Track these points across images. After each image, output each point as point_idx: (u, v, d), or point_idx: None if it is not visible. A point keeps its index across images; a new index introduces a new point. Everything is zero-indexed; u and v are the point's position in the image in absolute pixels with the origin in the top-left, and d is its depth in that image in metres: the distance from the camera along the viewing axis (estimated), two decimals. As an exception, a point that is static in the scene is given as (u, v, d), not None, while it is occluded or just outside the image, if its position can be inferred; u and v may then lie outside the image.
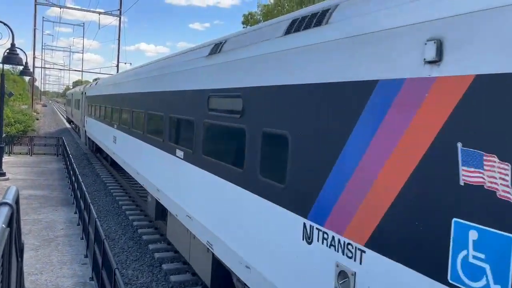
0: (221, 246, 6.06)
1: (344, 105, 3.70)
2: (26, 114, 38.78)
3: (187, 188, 7.66)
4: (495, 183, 2.49)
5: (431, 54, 2.89)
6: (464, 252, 2.65)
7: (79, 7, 63.36)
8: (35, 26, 53.06)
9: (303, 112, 4.25)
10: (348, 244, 3.58)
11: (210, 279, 7.03)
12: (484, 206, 2.54)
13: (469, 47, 2.69)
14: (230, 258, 5.79)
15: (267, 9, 44.40)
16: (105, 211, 14.12)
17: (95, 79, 29.47)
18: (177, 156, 8.17)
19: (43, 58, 77.39)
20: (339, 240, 3.69)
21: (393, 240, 3.16)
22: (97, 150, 24.65)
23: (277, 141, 4.77)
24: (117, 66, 56.52)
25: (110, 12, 55.40)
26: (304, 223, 4.15)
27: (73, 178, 14.60)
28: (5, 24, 17.57)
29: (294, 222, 4.30)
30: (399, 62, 3.18)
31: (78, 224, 11.51)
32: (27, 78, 79.86)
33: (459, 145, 2.68)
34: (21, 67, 21.20)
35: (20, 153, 25.25)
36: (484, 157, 2.55)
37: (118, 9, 54.79)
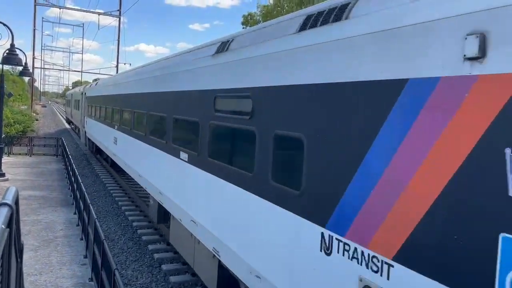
0: (229, 254, 5.79)
1: (368, 106, 3.44)
2: (25, 115, 38.73)
3: (192, 191, 7.37)
4: None
5: (472, 50, 2.64)
6: None
7: (79, 8, 63.36)
8: (34, 26, 53.02)
9: (321, 114, 3.99)
10: (373, 257, 3.31)
11: (216, 286, 6.74)
12: None
13: None
14: (238, 267, 5.53)
15: (266, 9, 44.43)
16: (104, 211, 14.11)
17: (95, 80, 29.35)
18: (181, 159, 7.91)
19: (42, 59, 77.34)
20: (362, 252, 3.41)
21: (426, 254, 2.87)
22: (97, 151, 24.56)
23: (291, 144, 4.52)
24: (117, 66, 56.53)
25: (109, 13, 55.37)
26: (322, 233, 3.87)
27: (73, 178, 14.59)
28: (4, 24, 17.57)
29: (311, 231, 4.01)
30: (433, 59, 2.93)
31: (78, 225, 11.50)
32: (26, 79, 79.82)
33: (508, 151, 2.43)
34: (20, 68, 21.18)
35: (20, 154, 25.24)
36: None
37: (118, 10, 54.75)
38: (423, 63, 3.00)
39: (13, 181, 17.02)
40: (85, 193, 10.87)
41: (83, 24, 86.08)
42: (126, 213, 13.88)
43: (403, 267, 3.04)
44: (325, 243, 3.83)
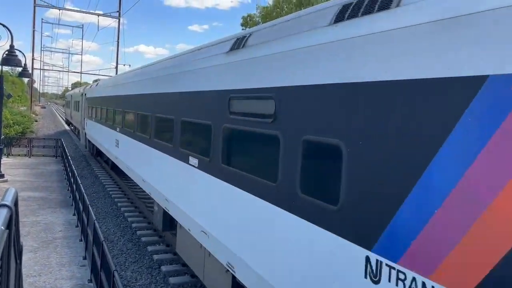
0: (247, 271, 5.21)
1: (433, 108, 2.92)
2: (24, 116, 38.70)
3: (203, 200, 6.80)
4: None
5: None
6: None
7: (78, 9, 63.37)
8: (34, 27, 53.00)
9: (368, 117, 3.45)
10: None
11: None
12: None
13: None
14: (259, 287, 4.95)
15: (266, 11, 44.53)
16: (103, 212, 14.10)
17: (96, 80, 29.14)
18: (190, 164, 7.34)
19: (42, 60, 77.29)
20: (424, 284, 2.85)
21: None
22: (98, 154, 24.46)
23: (325, 152, 3.97)
24: (116, 67, 56.54)
25: (109, 14, 55.37)
26: (368, 257, 3.33)
27: (72, 179, 14.58)
28: (4, 25, 17.58)
29: (352, 253, 3.49)
30: None
31: (77, 226, 11.50)
32: (26, 80, 79.97)
33: None
34: (20, 69, 21.19)
35: (19, 155, 25.21)
36: None
37: (117, 11, 54.75)
38: (507, 55, 2.50)
39: (12, 182, 17.01)
40: (84, 194, 10.86)
41: (82, 25, 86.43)
42: (126, 214, 13.87)
43: None
44: (372, 268, 3.30)
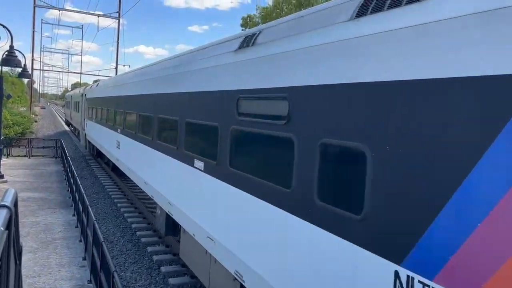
0: (257, 281, 4.98)
1: (474, 108, 2.64)
2: (24, 117, 38.73)
3: (209, 204, 6.56)
4: None
5: None
6: None
7: (78, 10, 63.46)
8: (34, 28, 53.03)
9: (397, 120, 3.13)
10: None
11: None
12: None
13: None
14: None
15: (265, 12, 44.59)
16: (103, 213, 14.10)
17: (96, 81, 28.99)
18: (195, 167, 7.08)
19: (41, 60, 77.36)
20: None
21: None
22: (98, 155, 24.38)
23: (346, 157, 3.71)
24: (116, 68, 56.60)
25: (109, 15, 55.44)
26: (397, 272, 3.03)
27: (72, 180, 14.59)
28: (4, 26, 17.59)
29: (379, 267, 3.20)
30: None
31: (77, 227, 11.50)
32: (25, 80, 79.96)
33: None
34: (19, 69, 21.20)
35: (19, 155, 25.22)
36: None
37: (117, 11, 54.81)
38: None
39: (12, 182, 17.01)
40: (84, 194, 10.87)
41: (82, 26, 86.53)
42: (125, 215, 13.87)
43: None
44: (401, 284, 3.01)
